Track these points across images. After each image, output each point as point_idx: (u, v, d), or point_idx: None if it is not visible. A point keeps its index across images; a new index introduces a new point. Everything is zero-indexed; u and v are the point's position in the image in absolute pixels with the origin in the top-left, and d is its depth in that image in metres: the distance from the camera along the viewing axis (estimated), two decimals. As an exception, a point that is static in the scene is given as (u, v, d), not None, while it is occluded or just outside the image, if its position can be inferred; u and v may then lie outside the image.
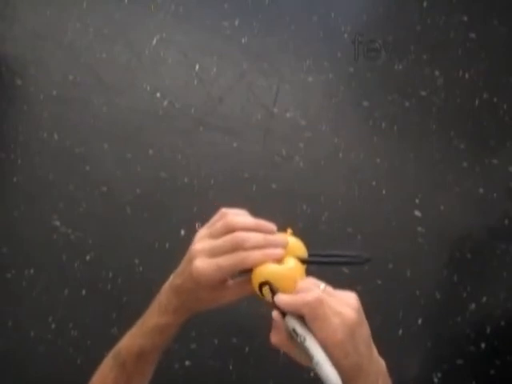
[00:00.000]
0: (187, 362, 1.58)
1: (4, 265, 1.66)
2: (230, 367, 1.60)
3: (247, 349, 1.61)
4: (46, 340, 1.59)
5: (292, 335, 0.56)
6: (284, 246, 0.60)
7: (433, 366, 1.65)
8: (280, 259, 0.60)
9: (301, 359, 0.57)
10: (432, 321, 1.71)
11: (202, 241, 0.61)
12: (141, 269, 1.67)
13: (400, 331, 1.66)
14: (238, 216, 0.62)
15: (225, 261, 0.58)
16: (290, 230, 0.64)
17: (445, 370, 1.65)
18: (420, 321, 1.69)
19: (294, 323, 0.55)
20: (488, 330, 1.70)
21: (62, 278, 1.66)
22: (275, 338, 0.58)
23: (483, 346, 1.68)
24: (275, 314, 0.57)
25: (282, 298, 0.57)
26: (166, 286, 0.65)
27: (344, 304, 0.56)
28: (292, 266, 0.60)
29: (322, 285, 0.58)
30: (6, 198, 1.76)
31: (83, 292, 1.64)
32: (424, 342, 1.68)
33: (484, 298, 1.73)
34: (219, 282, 0.60)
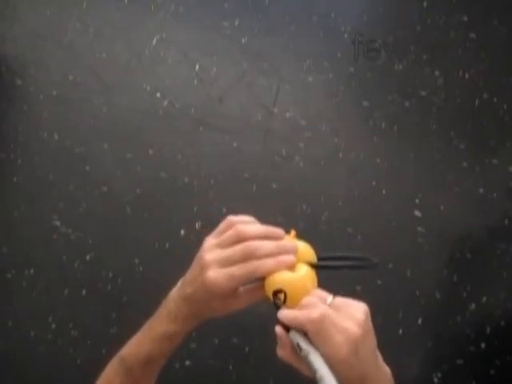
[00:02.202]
0: (187, 362, 1.58)
1: (4, 265, 1.66)
2: (230, 367, 1.60)
3: (247, 349, 1.61)
4: (46, 340, 1.59)
5: (296, 349, 0.56)
6: (294, 252, 0.61)
7: (433, 366, 1.66)
8: (292, 266, 0.60)
9: (308, 372, 0.57)
10: (432, 321, 1.71)
11: (212, 250, 0.61)
12: (141, 269, 1.67)
13: (400, 331, 1.66)
14: (247, 224, 0.62)
15: (238, 270, 0.59)
16: (293, 232, 0.64)
17: (445, 370, 1.65)
18: (420, 321, 1.69)
19: (297, 338, 0.56)
20: (488, 330, 1.70)
21: (62, 278, 1.66)
22: (281, 352, 0.58)
23: (483, 346, 1.68)
24: (278, 329, 0.58)
25: (285, 314, 0.57)
26: (175, 293, 0.65)
27: (349, 318, 0.56)
28: (304, 272, 0.60)
29: (330, 297, 0.58)
30: (5, 197, 1.76)
31: (83, 292, 1.64)
32: (424, 342, 1.68)
33: (484, 298, 1.73)
34: (232, 291, 0.61)
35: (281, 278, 0.59)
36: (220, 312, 0.63)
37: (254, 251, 0.59)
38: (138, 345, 0.67)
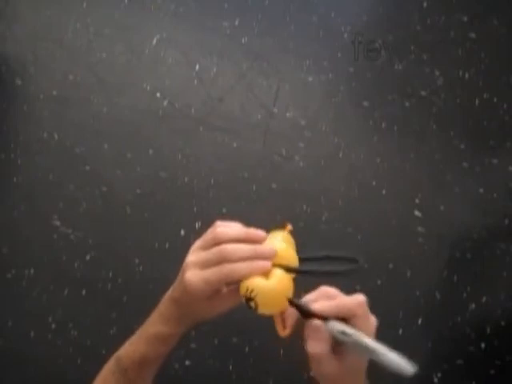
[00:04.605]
0: (187, 362, 1.58)
1: (4, 265, 1.66)
2: (230, 367, 1.60)
3: (247, 349, 1.61)
4: (46, 340, 1.59)
5: (337, 337, 0.55)
6: (271, 257, 0.60)
7: (433, 366, 1.65)
8: (267, 271, 0.59)
9: (331, 368, 0.56)
10: (432, 321, 1.71)
11: (194, 253, 0.62)
12: (141, 269, 1.67)
13: (400, 331, 1.66)
14: (227, 227, 0.61)
15: (212, 274, 0.58)
16: (289, 227, 0.64)
17: (445, 370, 1.65)
18: (420, 321, 1.69)
19: (341, 326, 0.55)
20: (488, 330, 1.69)
21: (62, 277, 1.66)
22: (319, 346, 0.56)
23: (483, 345, 1.68)
24: (316, 322, 0.56)
25: (328, 304, 0.57)
26: (167, 296, 0.65)
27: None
28: (277, 280, 0.59)
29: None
30: (5, 197, 1.76)
31: (83, 292, 1.64)
32: (424, 342, 1.68)
33: (484, 298, 1.73)
34: (212, 293, 0.60)
35: (252, 286, 0.58)
36: (208, 313, 0.63)
37: (228, 255, 0.58)
38: (133, 346, 0.67)
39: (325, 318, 0.56)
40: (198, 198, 1.78)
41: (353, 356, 0.56)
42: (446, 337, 1.69)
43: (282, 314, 0.60)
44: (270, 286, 0.58)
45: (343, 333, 0.55)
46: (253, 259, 0.59)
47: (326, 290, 0.60)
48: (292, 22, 2.04)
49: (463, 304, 1.72)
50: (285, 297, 0.59)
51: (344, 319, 0.56)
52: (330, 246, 1.71)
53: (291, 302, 0.59)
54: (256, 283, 0.58)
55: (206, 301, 0.61)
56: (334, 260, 0.63)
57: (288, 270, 0.60)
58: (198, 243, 0.62)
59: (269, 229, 0.65)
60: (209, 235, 0.61)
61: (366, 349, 0.54)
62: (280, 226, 0.64)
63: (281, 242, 0.62)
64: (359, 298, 0.57)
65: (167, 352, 0.67)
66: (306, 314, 0.57)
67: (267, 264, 0.59)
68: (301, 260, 0.62)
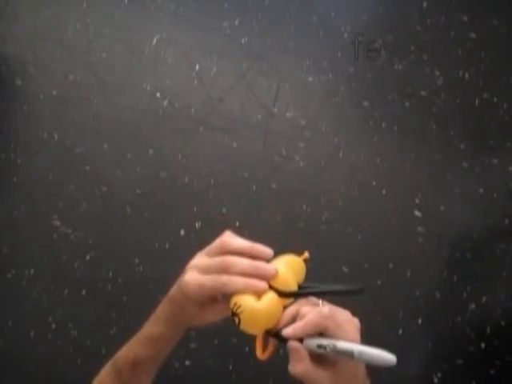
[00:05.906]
0: (187, 362, 1.58)
1: (4, 265, 1.66)
2: (230, 367, 1.60)
3: (247, 349, 1.60)
4: (46, 340, 1.59)
5: (318, 352, 0.56)
6: (269, 277, 0.59)
7: (433, 365, 1.66)
8: (261, 291, 0.59)
9: (323, 381, 0.56)
10: (432, 321, 1.71)
11: (199, 257, 0.62)
12: (141, 269, 1.68)
13: (400, 331, 1.66)
14: (233, 238, 0.62)
15: (208, 281, 0.59)
16: (305, 255, 0.63)
17: (445, 370, 1.65)
18: (420, 321, 1.69)
19: (315, 340, 0.56)
20: (488, 330, 1.70)
21: (62, 277, 1.66)
22: (300, 366, 0.56)
23: (483, 345, 1.68)
24: (293, 343, 0.56)
25: (296, 326, 0.57)
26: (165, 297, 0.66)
27: (344, 311, 0.58)
28: (266, 303, 0.58)
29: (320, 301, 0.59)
30: (5, 198, 1.76)
31: (83, 292, 1.64)
32: (424, 342, 1.68)
33: (484, 298, 1.73)
34: (206, 300, 0.61)
35: (240, 302, 0.58)
36: (197, 320, 0.63)
37: (229, 266, 0.59)
38: (128, 347, 0.68)
39: (300, 338, 0.57)
40: (197, 198, 1.78)
41: (345, 362, 0.56)
42: (445, 337, 1.69)
43: (266, 336, 0.60)
44: (257, 307, 0.58)
45: (319, 346, 0.55)
46: (251, 276, 0.58)
47: (295, 309, 0.59)
48: (292, 22, 2.04)
49: (463, 304, 1.72)
50: (269, 321, 0.59)
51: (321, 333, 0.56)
52: (330, 246, 1.71)
53: (267, 332, 0.59)
54: (245, 301, 0.58)
55: (198, 307, 0.61)
56: (335, 294, 0.61)
57: (280, 294, 0.59)
58: (205, 249, 0.63)
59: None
60: (216, 243, 0.62)
61: (344, 353, 0.55)
62: (298, 251, 0.64)
63: (283, 266, 0.61)
64: (322, 312, 0.56)
65: (159, 356, 0.67)
66: (282, 340, 0.57)
67: (263, 285, 0.59)
68: (299, 288, 0.61)
